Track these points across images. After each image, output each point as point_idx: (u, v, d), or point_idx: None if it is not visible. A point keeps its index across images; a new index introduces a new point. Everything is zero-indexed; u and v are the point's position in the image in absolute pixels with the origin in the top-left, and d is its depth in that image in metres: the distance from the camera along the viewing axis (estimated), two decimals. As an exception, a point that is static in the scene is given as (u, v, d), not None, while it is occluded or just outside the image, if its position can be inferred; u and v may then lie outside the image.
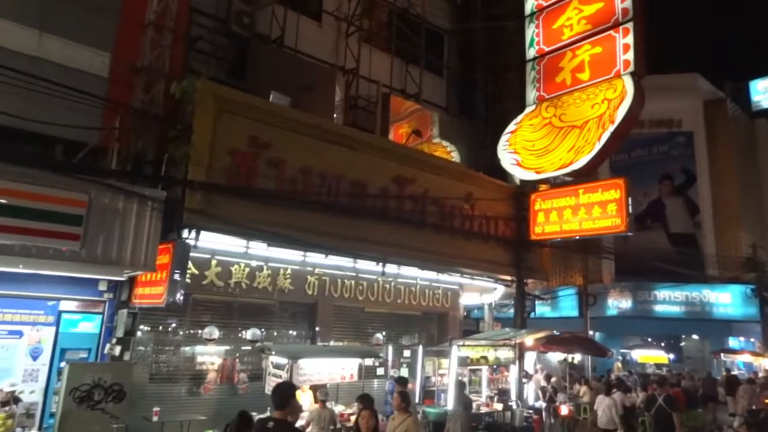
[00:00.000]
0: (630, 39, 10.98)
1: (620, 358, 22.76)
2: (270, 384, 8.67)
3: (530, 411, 11.12)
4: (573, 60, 12.00)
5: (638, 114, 10.91)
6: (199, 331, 9.49)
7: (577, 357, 19.80)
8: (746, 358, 20.45)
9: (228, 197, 8.24)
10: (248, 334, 9.89)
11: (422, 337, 12.96)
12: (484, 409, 11.04)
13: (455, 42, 15.54)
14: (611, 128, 10.65)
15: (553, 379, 14.51)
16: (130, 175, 7.67)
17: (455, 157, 14.37)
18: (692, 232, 23.80)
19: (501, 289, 13.51)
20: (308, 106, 10.26)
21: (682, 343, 23.96)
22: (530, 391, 12.65)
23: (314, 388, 8.71)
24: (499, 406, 11.20)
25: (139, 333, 8.85)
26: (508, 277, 12.50)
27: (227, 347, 9.90)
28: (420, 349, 10.96)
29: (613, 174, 18.44)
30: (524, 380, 11.52)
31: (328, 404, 8.30)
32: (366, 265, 10.82)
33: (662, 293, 22.21)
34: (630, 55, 10.94)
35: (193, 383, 9.46)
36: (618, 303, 23.04)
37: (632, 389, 14.34)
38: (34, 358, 8.19)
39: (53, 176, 6.76)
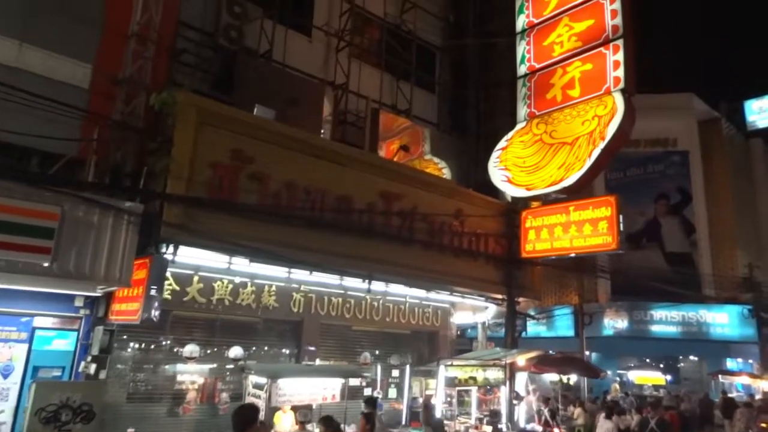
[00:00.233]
0: (620, 56, 10.94)
1: (618, 379, 22.39)
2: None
3: (521, 434, 10.82)
4: (564, 77, 11.94)
5: (629, 131, 10.81)
6: (180, 349, 9.24)
7: (573, 378, 19.46)
8: (744, 380, 20.09)
9: (208, 211, 8.05)
10: (231, 352, 9.63)
11: (412, 356, 12.68)
12: (472, 432, 10.74)
13: (447, 58, 15.52)
14: (602, 145, 10.54)
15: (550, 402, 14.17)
16: (107, 187, 7.49)
17: (446, 173, 14.24)
18: (688, 251, 23.61)
19: (493, 308, 13.26)
20: (296, 121, 10.15)
21: (680, 365, 23.60)
22: (521, 413, 12.33)
23: (297, 409, 8.44)
24: (488, 429, 10.89)
25: (116, 351, 8.60)
26: (499, 296, 12.28)
27: (208, 366, 9.63)
28: (407, 368, 10.69)
29: (609, 192, 18.31)
30: (515, 402, 11.22)
31: (308, 426, 8.03)
32: (353, 283, 10.59)
33: (658, 313, 21.95)
34: (620, 72, 10.88)
35: (173, 403, 9.17)
36: (614, 323, 22.77)
37: (627, 411, 14.01)
38: (5, 377, 7.91)
39: (28, 189, 6.59)
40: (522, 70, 12.84)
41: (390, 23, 14.11)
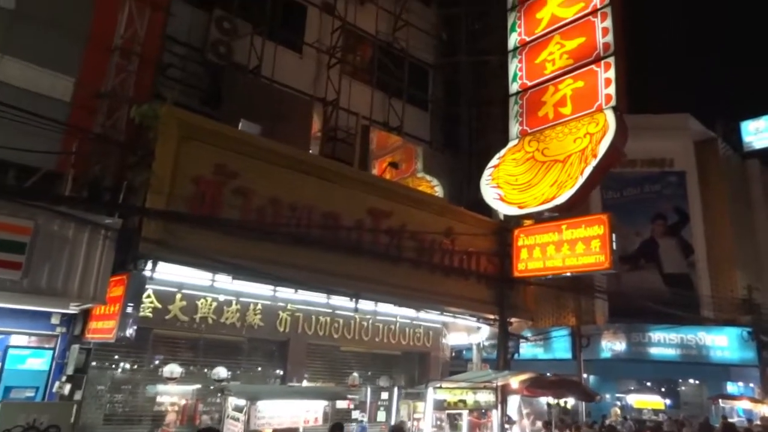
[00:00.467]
0: (611, 73, 10.86)
1: (618, 403, 21.92)
2: (229, 427, 8.13)
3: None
4: (555, 94, 11.87)
5: (621, 148, 10.68)
6: (160, 370, 8.98)
7: (570, 401, 19.03)
8: (745, 404, 19.66)
9: (189, 226, 7.87)
10: (213, 372, 9.38)
11: (402, 378, 12.38)
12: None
13: (440, 76, 15.50)
14: (594, 162, 10.41)
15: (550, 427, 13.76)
16: (84, 202, 7.32)
17: (439, 191, 14.10)
18: (686, 272, 23.32)
19: (486, 329, 12.99)
20: (284, 137, 10.04)
21: (680, 388, 23.15)
22: (514, 438, 11.98)
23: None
24: (479, 454, 10.56)
25: (93, 370, 8.33)
26: (491, 316, 12.02)
27: (190, 387, 9.35)
28: (395, 390, 10.39)
29: (606, 212, 18.14)
30: (506, 426, 10.89)
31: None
32: (342, 302, 10.34)
33: (657, 335, 21.59)
34: (612, 90, 10.79)
35: (152, 425, 8.87)
36: (612, 345, 22.37)
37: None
38: (-25, 397, 7.66)
39: (1, 202, 6.42)
40: (514, 87, 12.78)
41: (382, 41, 14.10)
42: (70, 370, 8.06)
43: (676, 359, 21.31)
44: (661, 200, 24.37)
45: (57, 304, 7.27)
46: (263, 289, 9.55)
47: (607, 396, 21.49)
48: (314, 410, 8.30)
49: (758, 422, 17.68)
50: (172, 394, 9.13)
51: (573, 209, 11.23)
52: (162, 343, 9.33)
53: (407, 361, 12.70)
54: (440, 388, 9.53)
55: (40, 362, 8.18)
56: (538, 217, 11.75)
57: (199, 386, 9.45)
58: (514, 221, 12.19)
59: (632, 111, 20.03)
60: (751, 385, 21.46)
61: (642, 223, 24.10)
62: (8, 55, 7.88)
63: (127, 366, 8.89)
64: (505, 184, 11.96)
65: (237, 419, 7.77)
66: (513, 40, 13.11)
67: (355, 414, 10.90)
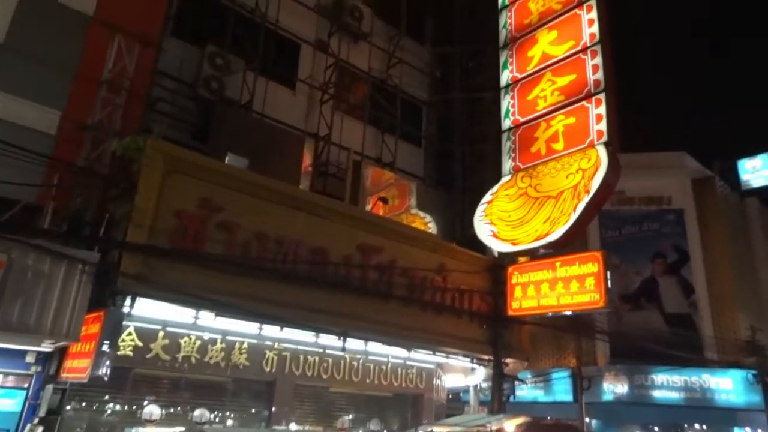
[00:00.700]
0: (602, 109, 10.88)
1: (624, 449, 21.17)
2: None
3: None
4: (547, 130, 11.86)
5: (613, 184, 10.58)
6: (139, 411, 8.62)
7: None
8: (754, 450, 18.96)
9: (170, 261, 7.68)
10: (195, 414, 9.01)
11: (395, 421, 11.93)
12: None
13: (434, 113, 15.57)
14: (587, 198, 10.29)
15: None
16: (62, 235, 7.16)
17: (432, 228, 13.95)
18: (688, 312, 22.89)
19: (481, 370, 12.62)
20: (274, 171, 9.97)
21: (687, 433, 22.39)
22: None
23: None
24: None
25: (68, 412, 8.00)
26: (486, 357, 11.66)
27: (170, 429, 8.96)
28: (385, 434, 9.98)
29: (605, 250, 17.94)
30: (501, 473, 10.40)
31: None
32: (331, 340, 10.04)
33: (660, 377, 20.98)
34: (603, 126, 10.78)
35: (129, 470, 8.49)
36: (614, 387, 21.73)
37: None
38: (-62, 441, 7.31)
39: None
40: (506, 123, 12.80)
41: (375, 78, 14.22)
42: (42, 412, 7.70)
43: (681, 403, 20.63)
44: (660, 238, 24.13)
45: (29, 341, 7.00)
46: (250, 327, 9.26)
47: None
48: (296, 455, 7.92)
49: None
50: (150, 437, 8.74)
51: (567, 246, 11.04)
52: (142, 383, 9.00)
53: (400, 404, 12.27)
54: (431, 432, 9.14)
55: (11, 403, 7.83)
56: (534, 254, 11.56)
57: (180, 429, 9.05)
58: (509, 258, 11.98)
59: (628, 150, 20.10)
60: (759, 430, 20.74)
61: (642, 262, 23.80)
62: (-7, 88, 7.89)
63: (105, 407, 8.55)
64: (499, 221, 11.81)
65: (214, 464, 7.40)
66: (505, 77, 13.21)
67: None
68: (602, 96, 10.98)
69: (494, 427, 9.88)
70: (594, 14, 11.85)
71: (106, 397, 8.57)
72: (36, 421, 7.74)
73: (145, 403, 8.75)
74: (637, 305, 22.60)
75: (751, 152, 27.39)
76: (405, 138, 14.66)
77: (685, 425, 22.01)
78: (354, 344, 10.14)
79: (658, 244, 24.08)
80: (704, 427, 21.40)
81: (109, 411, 8.60)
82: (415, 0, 15.24)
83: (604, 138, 10.72)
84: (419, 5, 15.71)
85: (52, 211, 7.32)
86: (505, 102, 12.97)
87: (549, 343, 22.35)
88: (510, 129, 12.67)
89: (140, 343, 8.64)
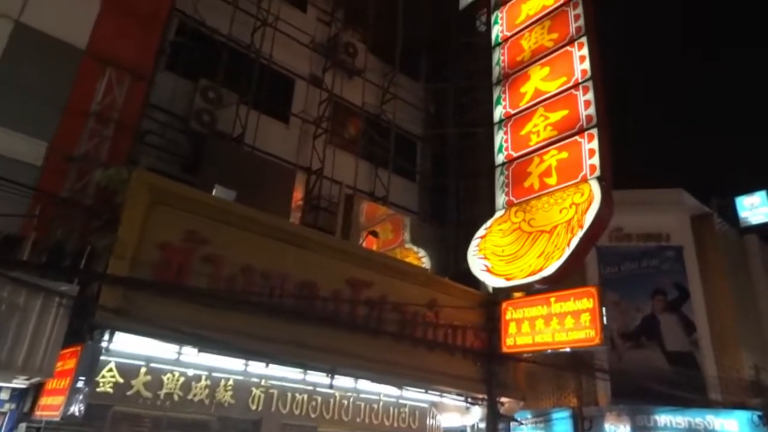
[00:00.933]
0: (595, 144, 10.87)
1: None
2: None
3: None
4: (540, 165, 11.83)
5: (607, 219, 10.47)
6: (117, 452, 8.30)
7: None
8: (762, 496, 18.27)
9: (152, 294, 7.51)
10: (176, 455, 8.68)
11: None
12: None
13: (428, 147, 15.62)
14: (580, 233, 10.17)
15: None
16: (41, 267, 7.01)
17: (426, 262, 13.78)
18: (690, 350, 22.44)
19: (478, 410, 12.24)
20: (265, 204, 9.88)
21: (693, 478, 21.63)
22: None
23: None
24: None
25: (41, 452, 7.68)
26: (480, 395, 11.32)
27: (148, 471, 8.62)
28: (374, 478, 9.58)
29: (605, 287, 17.71)
30: None
31: None
32: (319, 378, 9.77)
33: (663, 418, 20.39)
34: (596, 160, 10.75)
35: None
36: (615, 428, 21.11)
37: None
38: None
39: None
40: (500, 158, 12.78)
41: (369, 113, 14.30)
42: (14, 452, 7.42)
43: (685, 445, 20.04)
44: (659, 275, 23.86)
45: (0, 377, 6.77)
46: (235, 364, 9.01)
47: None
48: (278, 500, 7.56)
49: None
50: (129, 479, 8.39)
51: (564, 281, 10.86)
52: (123, 421, 8.65)
53: (391, 445, 11.85)
54: (421, 475, 8.77)
55: (-17, 442, 7.55)
56: (529, 290, 11.37)
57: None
58: (503, 293, 11.78)
59: (623, 185, 20.09)
60: (768, 475, 20.06)
61: (642, 299, 23.47)
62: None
63: (81, 447, 8.22)
64: (492, 255, 11.67)
65: None
66: (498, 113, 13.27)
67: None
68: (594, 131, 10.98)
69: (488, 471, 9.51)
70: (585, 51, 11.96)
71: (83, 437, 8.22)
72: (7, 462, 7.45)
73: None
74: (638, 343, 22.18)
75: (748, 187, 27.43)
76: (399, 172, 14.66)
77: (691, 469, 21.32)
78: (344, 382, 9.87)
79: (658, 281, 23.80)
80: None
81: (85, 451, 8.25)
82: (409, 37, 15.48)
83: (597, 172, 10.67)
84: (413, 42, 15.96)
85: (33, 242, 7.19)
86: (499, 137, 12.99)
87: (549, 382, 21.85)
88: (503, 164, 12.65)
89: (121, 380, 8.35)
